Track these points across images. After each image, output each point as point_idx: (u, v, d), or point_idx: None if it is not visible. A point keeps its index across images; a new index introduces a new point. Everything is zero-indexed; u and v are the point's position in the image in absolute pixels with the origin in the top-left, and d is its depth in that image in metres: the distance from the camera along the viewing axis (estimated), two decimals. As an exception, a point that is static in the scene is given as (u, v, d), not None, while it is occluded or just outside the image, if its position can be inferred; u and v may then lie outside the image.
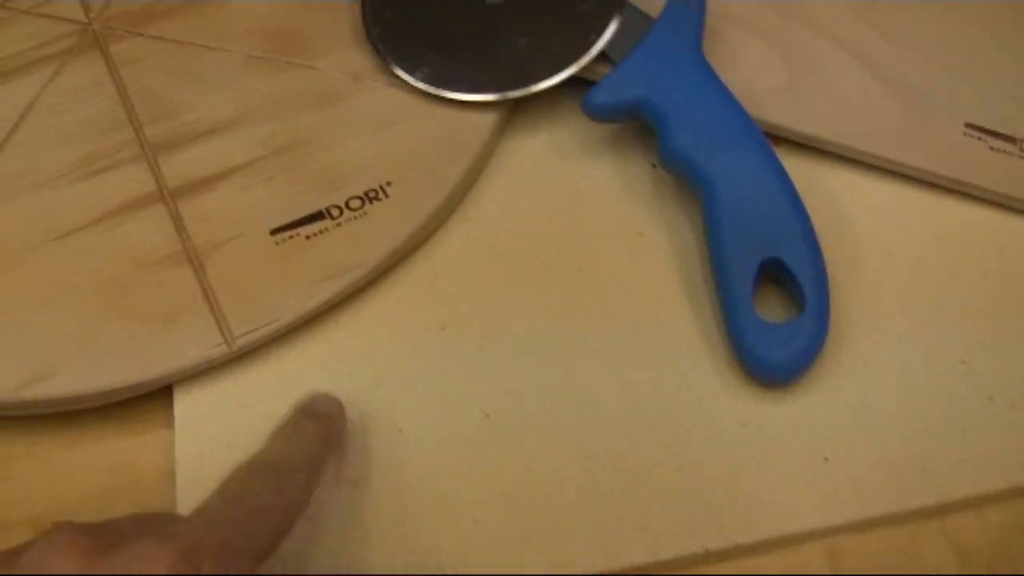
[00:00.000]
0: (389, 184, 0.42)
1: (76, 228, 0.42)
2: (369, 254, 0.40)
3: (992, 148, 0.44)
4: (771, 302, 0.40)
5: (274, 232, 0.41)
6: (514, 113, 0.45)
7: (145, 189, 0.42)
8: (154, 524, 0.30)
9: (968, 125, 0.44)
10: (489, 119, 0.43)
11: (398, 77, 0.44)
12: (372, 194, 0.42)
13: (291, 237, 0.41)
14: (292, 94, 0.44)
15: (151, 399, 0.39)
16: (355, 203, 0.42)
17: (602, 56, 0.44)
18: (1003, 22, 0.47)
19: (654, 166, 0.44)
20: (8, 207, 0.42)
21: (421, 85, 0.44)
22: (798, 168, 0.42)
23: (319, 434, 0.34)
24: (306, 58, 0.45)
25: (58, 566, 0.26)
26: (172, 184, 0.42)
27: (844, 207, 0.44)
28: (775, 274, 0.40)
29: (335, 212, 0.41)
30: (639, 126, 0.43)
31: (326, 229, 0.41)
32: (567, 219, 0.43)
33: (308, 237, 0.41)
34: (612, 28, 0.44)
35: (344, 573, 0.35)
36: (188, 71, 0.45)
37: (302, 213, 0.41)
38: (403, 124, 0.43)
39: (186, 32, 0.46)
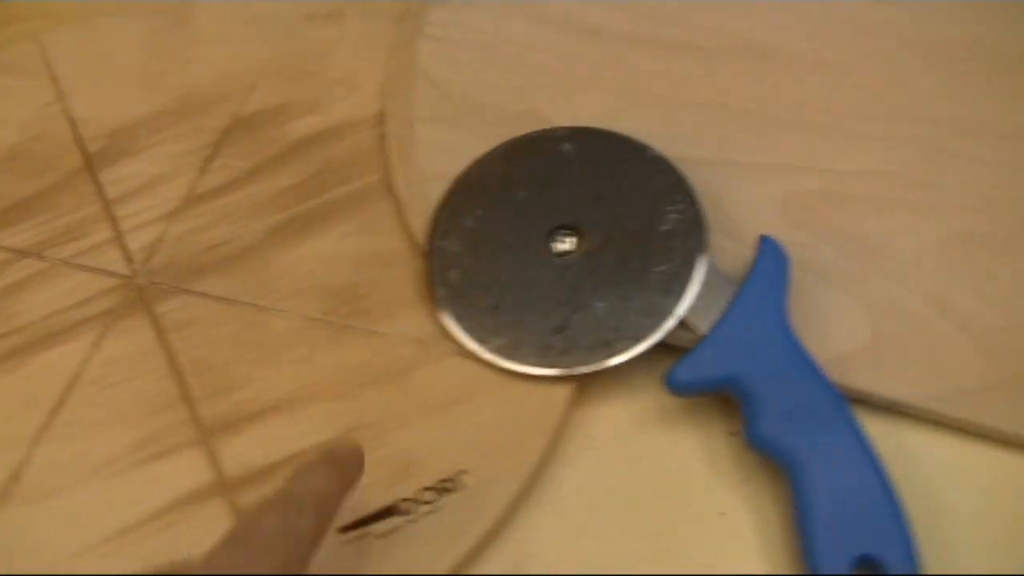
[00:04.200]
0: (463, 472, 0.42)
1: (126, 528, 0.42)
2: (443, 557, 0.41)
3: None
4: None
5: (344, 530, 0.41)
6: (589, 380, 0.45)
7: (203, 480, 0.43)
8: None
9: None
10: (564, 392, 0.44)
11: (465, 346, 0.44)
12: (446, 484, 0.42)
13: (362, 536, 0.41)
14: (355, 365, 0.45)
15: None
16: (428, 495, 0.42)
17: (682, 323, 0.44)
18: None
19: (731, 435, 0.44)
20: (56, 501, 0.42)
21: (491, 357, 0.44)
22: (881, 432, 0.44)
23: (331, 474, 0.37)
24: (368, 321, 0.46)
25: None
26: (231, 474, 0.43)
27: (932, 475, 0.44)
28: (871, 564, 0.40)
29: (407, 507, 0.41)
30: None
31: (398, 527, 0.41)
32: (649, 499, 0.43)
33: (380, 536, 0.41)
34: (691, 293, 0.44)
35: None
36: (242, 337, 0.46)
37: (372, 508, 0.42)
38: (473, 400, 0.44)
39: (237, 289, 0.47)
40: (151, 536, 0.41)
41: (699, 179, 0.48)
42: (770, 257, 0.44)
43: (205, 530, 0.41)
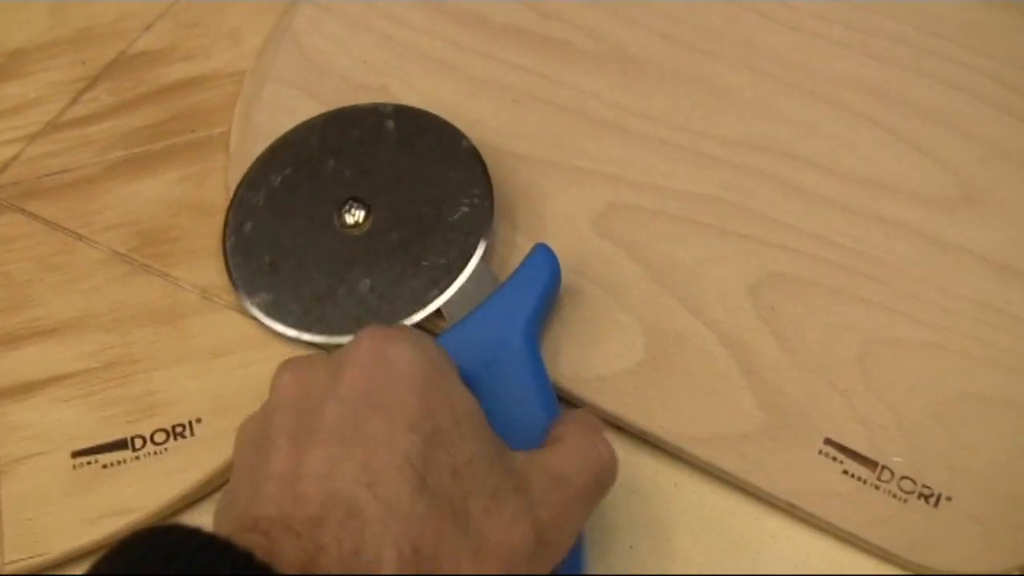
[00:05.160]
0: (199, 421, 0.44)
1: None
2: (153, 498, 0.43)
3: (846, 472, 0.43)
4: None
5: (75, 455, 0.44)
6: (349, 355, 0.46)
7: (-29, 386, 0.46)
8: None
9: (828, 441, 0.43)
10: (318, 362, 0.45)
11: (236, 297, 0.46)
12: (179, 429, 0.44)
13: (89, 463, 0.44)
14: (138, 303, 0.47)
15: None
16: (160, 436, 0.44)
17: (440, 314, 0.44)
18: (892, 345, 0.45)
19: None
20: None
21: (254, 312, 0.46)
22: (633, 460, 0.45)
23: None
24: (164, 263, 0.48)
25: None
26: (-1, 385, 0.46)
27: (672, 516, 0.43)
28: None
29: (138, 443, 0.44)
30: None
31: (124, 460, 0.44)
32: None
33: (105, 466, 0.44)
34: (454, 288, 0.44)
35: None
36: (52, 260, 0.49)
37: (107, 439, 0.44)
38: (235, 355, 0.46)
39: (63, 215, 0.50)
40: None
41: (522, 178, 0.49)
42: (536, 265, 0.44)
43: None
